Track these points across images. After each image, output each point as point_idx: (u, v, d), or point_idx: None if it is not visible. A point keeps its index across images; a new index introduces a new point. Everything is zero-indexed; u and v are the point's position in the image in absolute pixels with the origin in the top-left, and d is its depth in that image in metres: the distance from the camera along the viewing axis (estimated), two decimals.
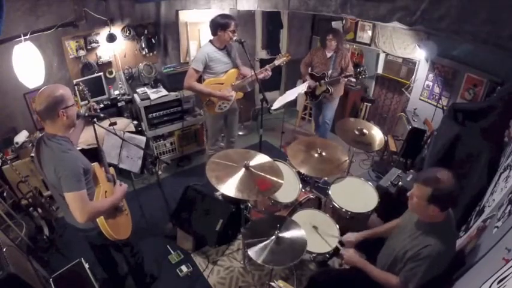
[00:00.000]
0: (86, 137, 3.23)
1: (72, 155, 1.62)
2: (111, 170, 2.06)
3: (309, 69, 3.78)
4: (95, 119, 1.91)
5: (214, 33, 2.81)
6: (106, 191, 1.86)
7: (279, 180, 2.16)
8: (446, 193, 1.47)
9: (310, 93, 3.79)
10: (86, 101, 2.58)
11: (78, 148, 3.18)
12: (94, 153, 1.98)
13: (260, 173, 2.17)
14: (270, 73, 2.95)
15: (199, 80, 2.96)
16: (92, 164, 1.83)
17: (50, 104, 1.55)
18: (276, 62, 3.01)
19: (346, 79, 3.52)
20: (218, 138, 3.40)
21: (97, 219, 1.73)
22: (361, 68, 3.39)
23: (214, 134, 3.27)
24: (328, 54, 3.56)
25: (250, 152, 2.42)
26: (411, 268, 1.56)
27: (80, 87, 2.67)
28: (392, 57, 3.99)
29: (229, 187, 2.03)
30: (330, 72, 3.53)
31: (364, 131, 2.81)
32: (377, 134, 2.85)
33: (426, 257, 1.51)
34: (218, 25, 2.74)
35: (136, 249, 2.27)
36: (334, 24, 4.36)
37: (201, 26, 3.93)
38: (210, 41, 2.89)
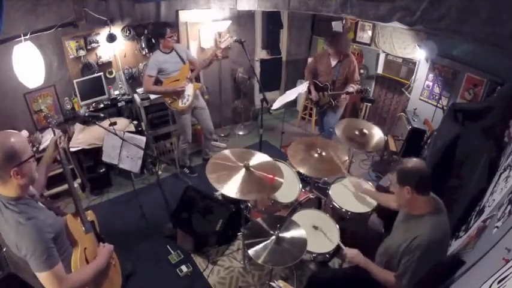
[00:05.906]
0: (86, 137, 3.25)
1: (34, 226, 1.25)
2: (90, 214, 1.73)
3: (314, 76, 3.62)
4: (95, 120, 1.91)
5: (157, 42, 3.27)
6: (86, 248, 1.54)
7: (279, 178, 2.14)
8: (410, 169, 1.58)
9: (315, 102, 3.67)
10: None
11: (79, 148, 3.23)
12: (95, 154, 1.96)
13: (259, 171, 2.16)
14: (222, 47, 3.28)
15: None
16: (64, 217, 1.50)
17: None
18: (223, 45, 3.25)
19: (347, 95, 3.42)
20: (188, 132, 3.59)
21: None
22: (364, 88, 3.39)
23: (184, 129, 3.53)
24: (333, 63, 3.36)
25: (237, 150, 2.38)
26: (405, 261, 1.59)
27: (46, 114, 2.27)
28: (392, 57, 3.99)
29: (240, 191, 2.00)
30: (334, 79, 3.38)
31: (364, 131, 2.81)
32: (377, 134, 2.85)
33: (417, 247, 1.54)
34: (158, 35, 3.19)
35: None
36: (334, 24, 4.36)
37: (201, 26, 3.93)
38: (158, 48, 3.23)
